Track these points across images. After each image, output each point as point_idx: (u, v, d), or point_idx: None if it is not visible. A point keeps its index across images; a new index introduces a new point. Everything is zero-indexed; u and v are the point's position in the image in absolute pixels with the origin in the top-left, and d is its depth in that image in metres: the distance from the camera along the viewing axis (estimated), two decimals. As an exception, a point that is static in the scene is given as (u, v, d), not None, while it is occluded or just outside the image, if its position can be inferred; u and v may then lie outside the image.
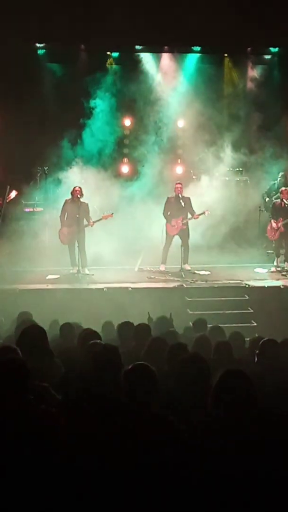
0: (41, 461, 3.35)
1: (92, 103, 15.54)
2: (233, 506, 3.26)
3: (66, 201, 13.28)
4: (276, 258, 13.98)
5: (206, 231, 14.63)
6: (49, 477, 3.32)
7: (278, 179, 15.87)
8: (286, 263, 13.85)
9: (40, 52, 16.92)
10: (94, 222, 13.19)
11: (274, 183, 15.78)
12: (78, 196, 13.07)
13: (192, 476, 3.39)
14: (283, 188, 14.07)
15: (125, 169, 17.21)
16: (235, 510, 3.26)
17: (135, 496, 3.38)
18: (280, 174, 15.98)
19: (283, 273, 13.44)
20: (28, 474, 3.31)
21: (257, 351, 5.95)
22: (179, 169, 17.24)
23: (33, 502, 3.26)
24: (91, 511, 3.35)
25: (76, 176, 14.69)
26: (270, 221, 14.02)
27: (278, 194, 14.22)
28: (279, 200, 13.92)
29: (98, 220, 13.28)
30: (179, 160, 17.35)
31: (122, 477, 3.45)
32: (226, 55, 17.38)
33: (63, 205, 13.29)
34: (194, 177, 16.75)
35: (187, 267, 13.47)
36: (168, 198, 13.70)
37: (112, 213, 13.49)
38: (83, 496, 3.31)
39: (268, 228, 14.16)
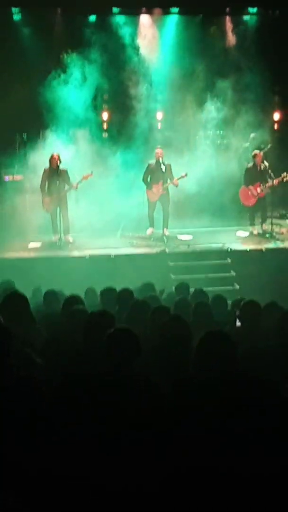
0: (22, 427, 3.36)
1: (70, 67, 15.23)
2: (212, 467, 3.29)
3: (44, 170, 13.12)
4: (251, 227, 13.89)
5: (188, 196, 14.56)
6: (32, 442, 3.33)
7: (249, 140, 15.63)
8: (263, 224, 13.84)
9: (16, 17, 16.57)
10: (76, 184, 13.03)
11: (247, 145, 15.53)
12: (57, 163, 12.93)
13: (173, 436, 3.43)
14: (257, 152, 13.89)
15: (104, 134, 17.00)
16: (214, 470, 3.30)
17: (121, 458, 3.42)
18: (252, 135, 15.75)
19: (266, 235, 13.49)
20: (11, 439, 3.33)
21: (238, 312, 6.01)
22: (160, 134, 17.02)
23: (12, 471, 3.26)
24: (76, 479, 3.37)
25: (54, 142, 14.47)
26: (248, 186, 13.73)
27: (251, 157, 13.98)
28: (252, 164, 13.78)
29: (79, 182, 13.10)
30: (159, 125, 17.15)
31: (106, 441, 3.48)
32: (202, 15, 17.07)
33: (42, 175, 13.14)
34: (174, 142, 16.61)
35: (166, 232, 13.50)
36: (148, 164, 13.62)
37: (92, 172, 13.21)
38: (66, 463, 3.33)
39: (242, 193, 13.92)
